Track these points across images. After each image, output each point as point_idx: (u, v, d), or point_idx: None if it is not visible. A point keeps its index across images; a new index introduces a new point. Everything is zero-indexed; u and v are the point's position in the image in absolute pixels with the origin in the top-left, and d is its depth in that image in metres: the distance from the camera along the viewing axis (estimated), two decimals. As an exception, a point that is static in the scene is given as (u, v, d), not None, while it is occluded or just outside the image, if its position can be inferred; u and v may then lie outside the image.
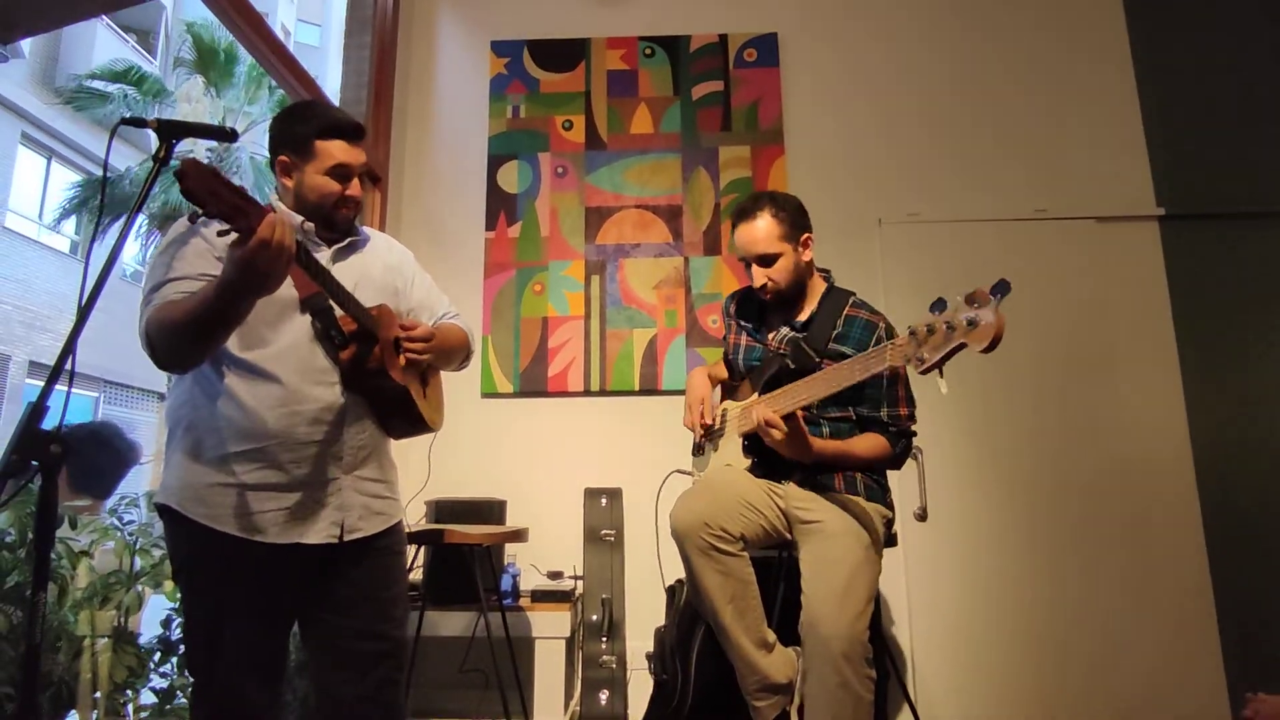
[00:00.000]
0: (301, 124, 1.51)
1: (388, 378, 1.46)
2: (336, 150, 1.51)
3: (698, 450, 2.10)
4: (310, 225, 1.52)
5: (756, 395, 1.86)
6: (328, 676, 1.47)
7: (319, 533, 1.42)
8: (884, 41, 3.22)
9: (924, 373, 1.44)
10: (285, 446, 1.40)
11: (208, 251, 1.39)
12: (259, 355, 1.41)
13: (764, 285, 1.88)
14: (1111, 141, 3.10)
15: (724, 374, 2.16)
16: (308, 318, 1.46)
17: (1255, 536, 2.77)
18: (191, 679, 1.37)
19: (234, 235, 1.16)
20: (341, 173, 1.51)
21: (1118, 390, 2.88)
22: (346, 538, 1.46)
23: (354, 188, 1.53)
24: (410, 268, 1.71)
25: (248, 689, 1.38)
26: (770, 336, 1.95)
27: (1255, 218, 3.01)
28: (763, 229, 1.86)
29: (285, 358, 1.42)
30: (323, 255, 1.53)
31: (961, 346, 1.37)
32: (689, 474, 2.12)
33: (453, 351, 1.70)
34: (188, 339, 1.28)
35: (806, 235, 1.91)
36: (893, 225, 3.04)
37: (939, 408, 2.75)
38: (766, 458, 1.84)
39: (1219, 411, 2.86)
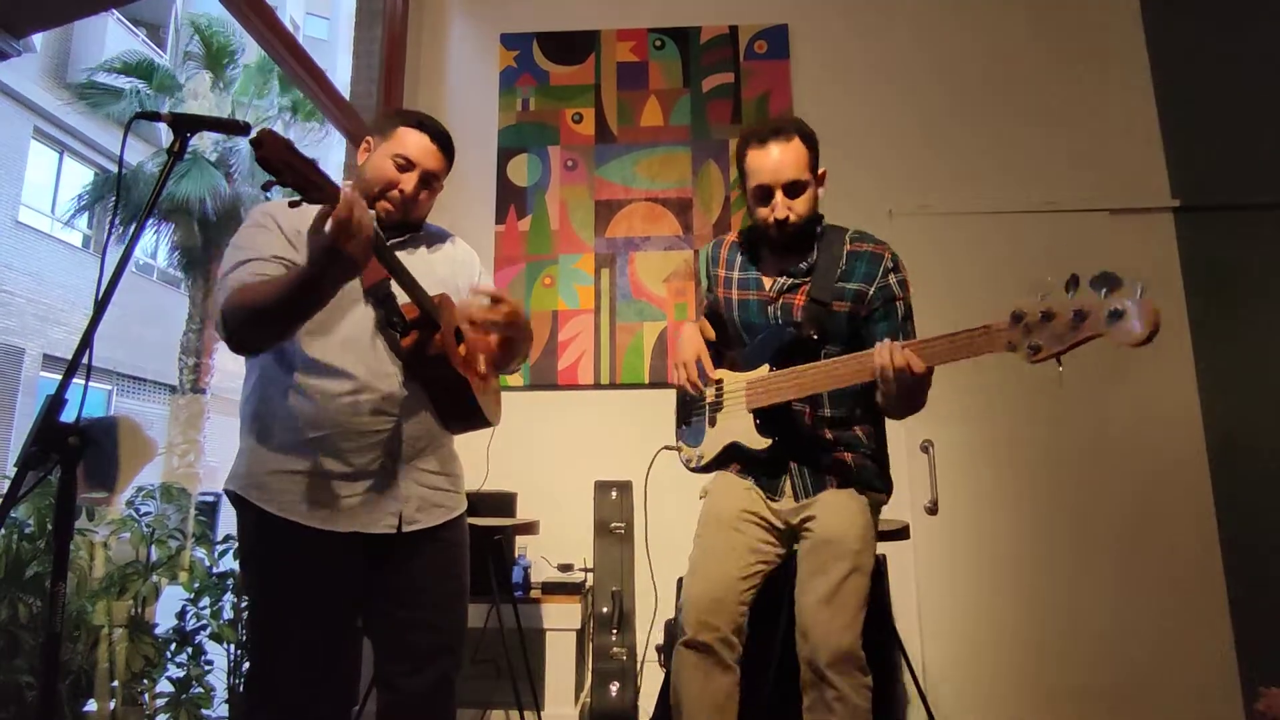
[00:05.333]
0: (400, 114, 1.53)
1: (448, 366, 1.43)
2: (411, 139, 1.49)
3: (683, 419, 1.91)
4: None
5: (768, 368, 1.71)
6: (387, 668, 1.48)
7: (377, 523, 1.42)
8: (894, 33, 3.19)
9: (1036, 362, 1.30)
10: (346, 436, 1.40)
11: (279, 234, 1.40)
12: (322, 345, 1.41)
13: (785, 219, 1.66)
14: (1125, 131, 3.06)
15: (710, 333, 1.94)
16: (370, 308, 1.45)
17: (1269, 530, 2.75)
18: (247, 663, 1.38)
19: (307, 210, 1.17)
20: (403, 163, 1.49)
21: (1131, 383, 2.85)
22: (405, 529, 1.45)
23: (407, 182, 1.49)
24: (476, 269, 1.67)
25: (305, 676, 1.37)
26: (769, 285, 1.77)
27: (1273, 209, 2.96)
28: (796, 153, 1.65)
29: (348, 348, 1.42)
30: None
31: (1094, 338, 1.26)
32: (676, 449, 1.94)
33: (523, 342, 1.59)
34: (268, 323, 1.28)
35: (823, 171, 1.75)
36: (904, 217, 3.02)
37: (950, 400, 2.73)
38: (785, 435, 1.70)
39: (1233, 405, 2.84)
